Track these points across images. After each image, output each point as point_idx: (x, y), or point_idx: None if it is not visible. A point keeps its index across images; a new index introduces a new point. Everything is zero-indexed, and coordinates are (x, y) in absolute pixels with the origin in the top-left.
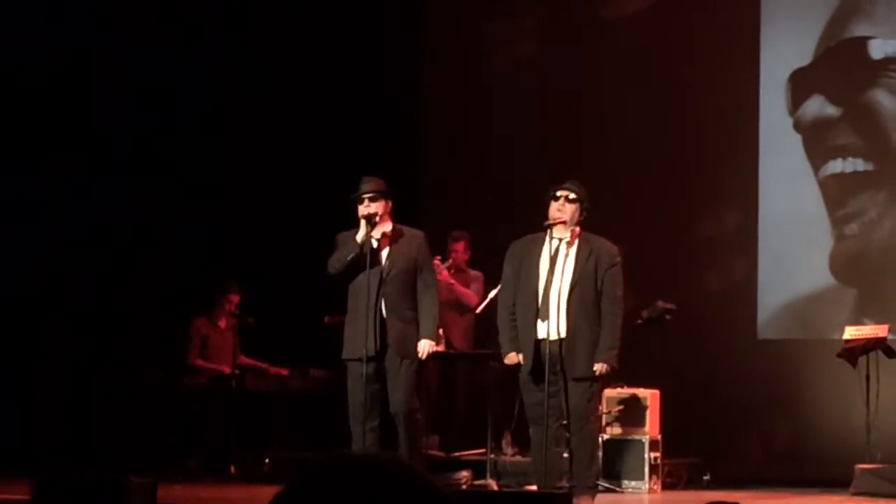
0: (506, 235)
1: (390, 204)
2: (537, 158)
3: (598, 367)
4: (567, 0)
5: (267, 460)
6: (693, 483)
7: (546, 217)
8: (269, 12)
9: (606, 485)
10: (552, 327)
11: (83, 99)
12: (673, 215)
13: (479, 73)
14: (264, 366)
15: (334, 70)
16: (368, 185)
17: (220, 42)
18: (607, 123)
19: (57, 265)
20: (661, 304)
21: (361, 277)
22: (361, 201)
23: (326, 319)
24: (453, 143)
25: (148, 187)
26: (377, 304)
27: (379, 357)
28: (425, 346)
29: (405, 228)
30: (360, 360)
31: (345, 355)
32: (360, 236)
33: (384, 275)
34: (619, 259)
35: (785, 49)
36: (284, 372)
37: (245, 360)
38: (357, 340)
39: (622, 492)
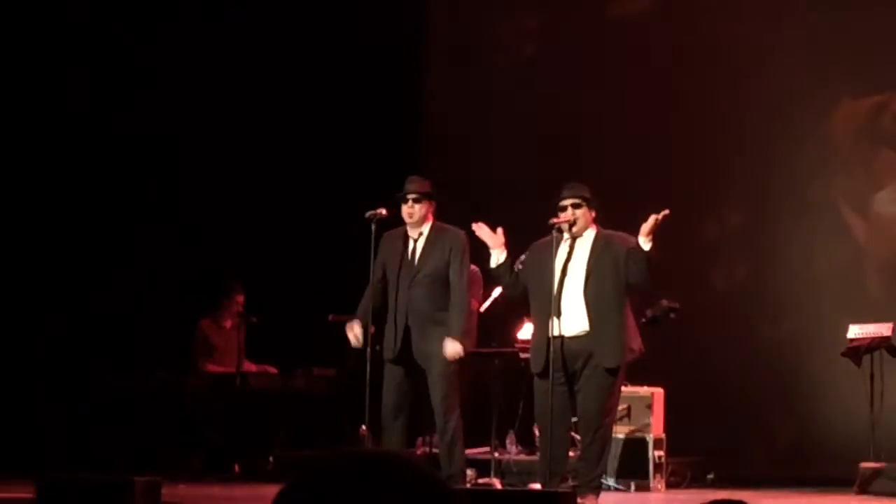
0: (505, 235)
1: (434, 204)
2: (539, 158)
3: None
4: (570, 0)
5: (271, 459)
6: (697, 482)
7: (553, 218)
8: (271, 12)
9: (610, 483)
10: (568, 324)
11: (83, 97)
12: (676, 215)
13: (482, 72)
14: (273, 370)
15: (336, 70)
16: (412, 185)
17: (221, 40)
18: (609, 123)
19: (58, 264)
20: (665, 302)
21: (393, 279)
22: (406, 201)
23: (331, 318)
24: (455, 143)
25: (149, 186)
26: (405, 307)
27: (408, 360)
28: (447, 347)
29: (447, 229)
30: (391, 361)
31: (384, 355)
32: (354, 342)
33: (414, 278)
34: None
35: None
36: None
37: (249, 365)
38: (388, 341)
39: (626, 490)
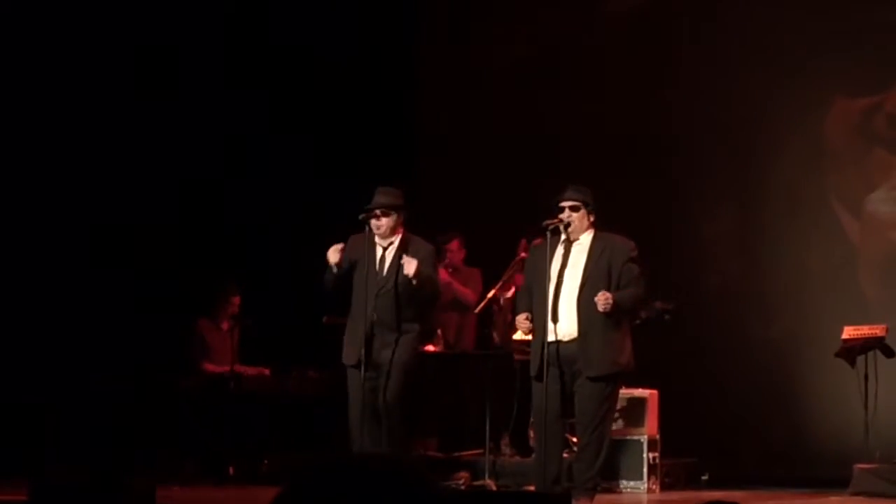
0: (504, 235)
1: (400, 216)
2: (536, 157)
3: (602, 296)
4: None
5: (265, 462)
6: (691, 483)
7: (549, 220)
8: (268, 12)
9: (605, 485)
10: (563, 328)
11: (82, 99)
12: (673, 214)
13: (478, 70)
14: (265, 371)
15: (332, 68)
16: (377, 198)
17: (218, 39)
18: (607, 122)
19: (57, 265)
20: (659, 304)
21: (359, 284)
22: (375, 214)
23: (325, 320)
24: (452, 142)
25: (148, 186)
26: (370, 316)
27: (372, 365)
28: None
29: (418, 242)
30: (354, 366)
31: (343, 360)
32: (332, 258)
33: (381, 288)
34: (634, 254)
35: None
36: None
37: (241, 368)
38: (351, 347)
39: (620, 492)
